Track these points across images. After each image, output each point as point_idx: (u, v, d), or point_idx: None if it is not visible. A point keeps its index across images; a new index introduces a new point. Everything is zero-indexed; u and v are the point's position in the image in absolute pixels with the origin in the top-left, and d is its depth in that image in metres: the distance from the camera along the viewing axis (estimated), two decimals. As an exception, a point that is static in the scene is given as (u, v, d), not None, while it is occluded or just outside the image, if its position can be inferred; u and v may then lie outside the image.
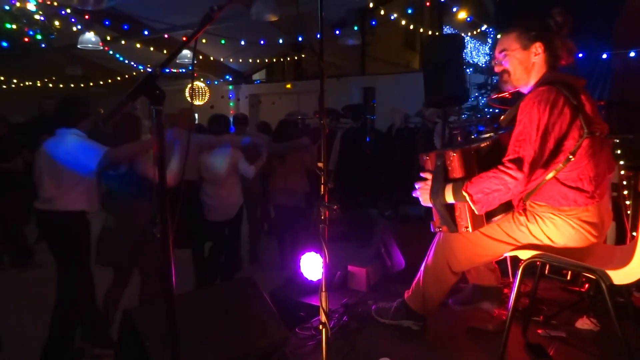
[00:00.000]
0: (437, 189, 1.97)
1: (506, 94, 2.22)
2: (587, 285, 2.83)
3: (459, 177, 1.94)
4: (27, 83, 10.72)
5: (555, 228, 1.98)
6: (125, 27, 8.25)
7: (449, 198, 1.95)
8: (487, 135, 2.23)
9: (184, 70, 10.43)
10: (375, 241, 3.54)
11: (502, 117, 2.16)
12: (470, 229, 1.97)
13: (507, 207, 2.07)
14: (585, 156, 1.92)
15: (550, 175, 1.94)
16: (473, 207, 1.91)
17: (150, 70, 1.37)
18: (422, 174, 2.06)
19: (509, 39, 2.08)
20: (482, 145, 2.07)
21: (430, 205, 2.02)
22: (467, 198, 1.90)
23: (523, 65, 2.07)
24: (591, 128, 1.91)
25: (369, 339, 2.44)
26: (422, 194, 2.05)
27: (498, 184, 1.87)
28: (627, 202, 2.99)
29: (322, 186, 1.82)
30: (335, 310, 2.68)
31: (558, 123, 1.88)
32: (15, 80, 10.62)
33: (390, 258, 3.33)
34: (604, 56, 4.83)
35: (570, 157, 1.90)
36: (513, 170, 1.86)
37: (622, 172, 3.00)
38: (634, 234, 2.86)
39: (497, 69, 2.15)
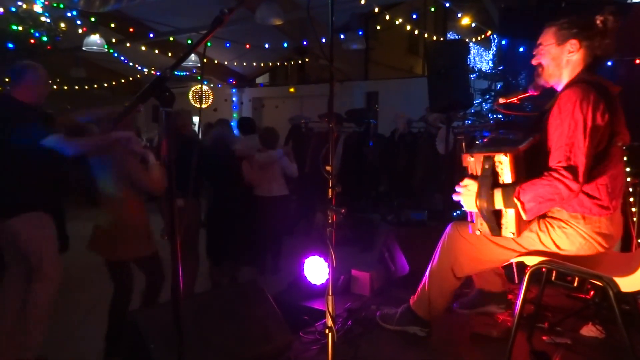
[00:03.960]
0: (485, 194, 1.80)
1: (514, 99, 2.19)
2: (592, 292, 2.82)
3: (510, 183, 1.79)
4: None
5: (566, 237, 1.95)
6: (131, 29, 8.30)
7: (499, 204, 1.80)
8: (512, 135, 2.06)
9: (186, 73, 10.46)
10: (379, 246, 3.53)
11: (547, 105, 2.01)
12: (516, 235, 1.85)
13: None
14: (606, 166, 1.88)
15: None
16: (523, 215, 1.79)
17: (158, 72, 1.38)
18: (466, 179, 1.90)
19: (548, 33, 1.99)
20: (528, 145, 1.91)
21: (474, 210, 1.88)
22: (519, 206, 1.77)
23: (555, 61, 1.98)
24: (616, 138, 1.87)
25: (373, 344, 2.43)
26: (466, 198, 1.88)
27: (552, 192, 1.76)
28: (633, 209, 2.98)
29: (329, 190, 1.82)
30: (339, 315, 2.67)
31: (599, 129, 1.80)
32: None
33: (394, 263, 3.33)
34: (609, 63, 4.83)
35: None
36: (569, 180, 1.73)
37: (628, 179, 2.99)
38: (640, 241, 2.86)
39: (534, 61, 2.05)
